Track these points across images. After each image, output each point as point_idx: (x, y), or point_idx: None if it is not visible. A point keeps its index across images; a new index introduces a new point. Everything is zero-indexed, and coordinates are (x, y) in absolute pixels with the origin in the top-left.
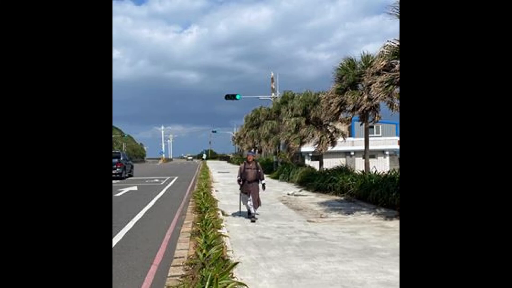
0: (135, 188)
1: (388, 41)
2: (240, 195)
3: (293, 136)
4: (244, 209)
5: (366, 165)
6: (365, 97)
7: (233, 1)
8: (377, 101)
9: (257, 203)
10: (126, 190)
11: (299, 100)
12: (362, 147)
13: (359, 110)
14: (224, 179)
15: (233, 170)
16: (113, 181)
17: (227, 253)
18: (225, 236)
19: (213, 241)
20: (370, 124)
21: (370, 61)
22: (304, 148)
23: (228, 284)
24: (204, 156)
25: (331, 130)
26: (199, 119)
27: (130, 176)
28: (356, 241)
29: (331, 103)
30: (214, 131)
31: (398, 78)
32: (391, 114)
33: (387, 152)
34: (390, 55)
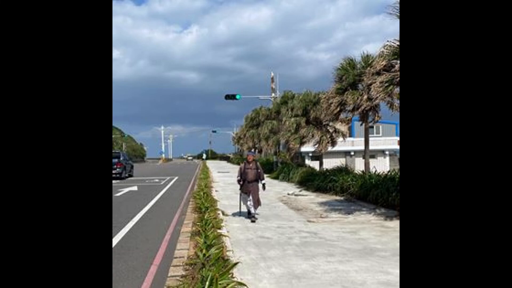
0: (135, 188)
1: (388, 41)
2: (240, 195)
3: (293, 136)
4: (244, 209)
5: (366, 165)
6: (365, 97)
7: (233, 1)
8: (377, 101)
9: (257, 203)
10: (126, 190)
11: (299, 100)
12: (362, 147)
13: (359, 110)
14: (224, 179)
15: (233, 170)
16: (113, 181)
17: (227, 253)
18: (225, 236)
19: (213, 241)
20: (370, 124)
21: (370, 61)
22: (304, 148)
23: (228, 284)
24: (204, 156)
25: (331, 130)
26: (199, 119)
27: (130, 176)
28: (356, 241)
29: (331, 103)
30: (214, 131)
31: (398, 78)
32: (391, 114)
33: (387, 152)
34: (390, 55)
